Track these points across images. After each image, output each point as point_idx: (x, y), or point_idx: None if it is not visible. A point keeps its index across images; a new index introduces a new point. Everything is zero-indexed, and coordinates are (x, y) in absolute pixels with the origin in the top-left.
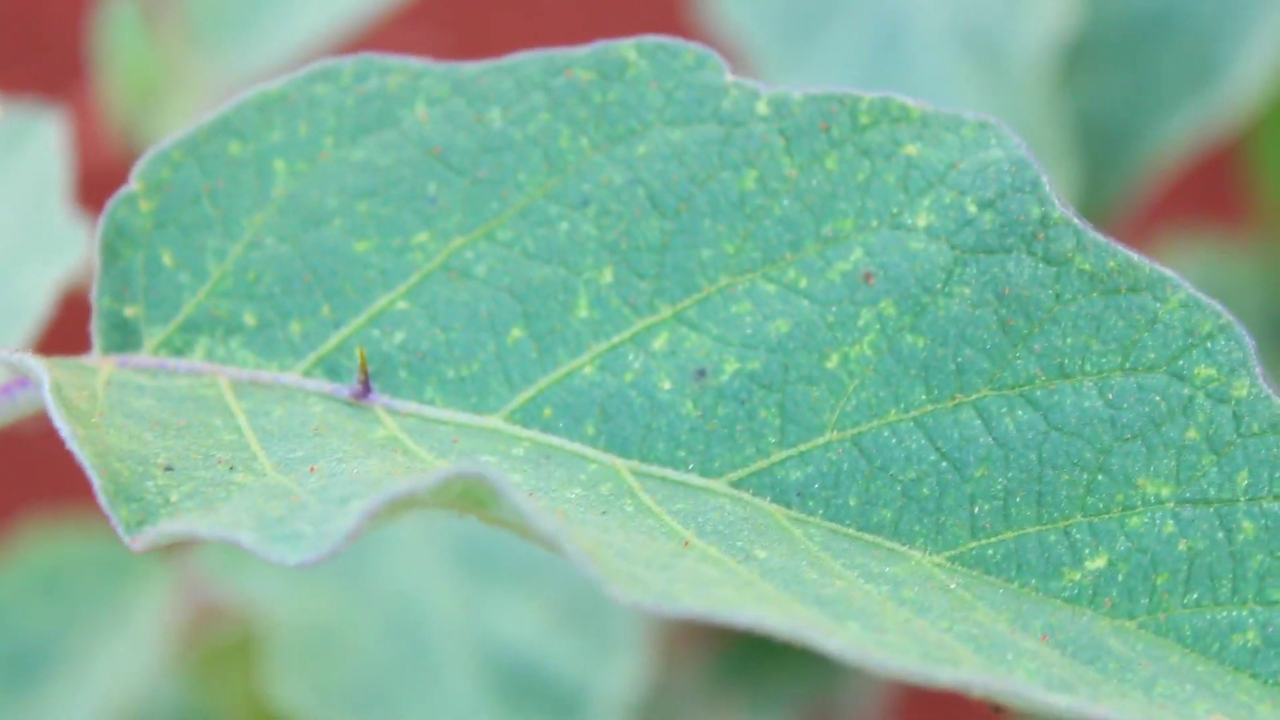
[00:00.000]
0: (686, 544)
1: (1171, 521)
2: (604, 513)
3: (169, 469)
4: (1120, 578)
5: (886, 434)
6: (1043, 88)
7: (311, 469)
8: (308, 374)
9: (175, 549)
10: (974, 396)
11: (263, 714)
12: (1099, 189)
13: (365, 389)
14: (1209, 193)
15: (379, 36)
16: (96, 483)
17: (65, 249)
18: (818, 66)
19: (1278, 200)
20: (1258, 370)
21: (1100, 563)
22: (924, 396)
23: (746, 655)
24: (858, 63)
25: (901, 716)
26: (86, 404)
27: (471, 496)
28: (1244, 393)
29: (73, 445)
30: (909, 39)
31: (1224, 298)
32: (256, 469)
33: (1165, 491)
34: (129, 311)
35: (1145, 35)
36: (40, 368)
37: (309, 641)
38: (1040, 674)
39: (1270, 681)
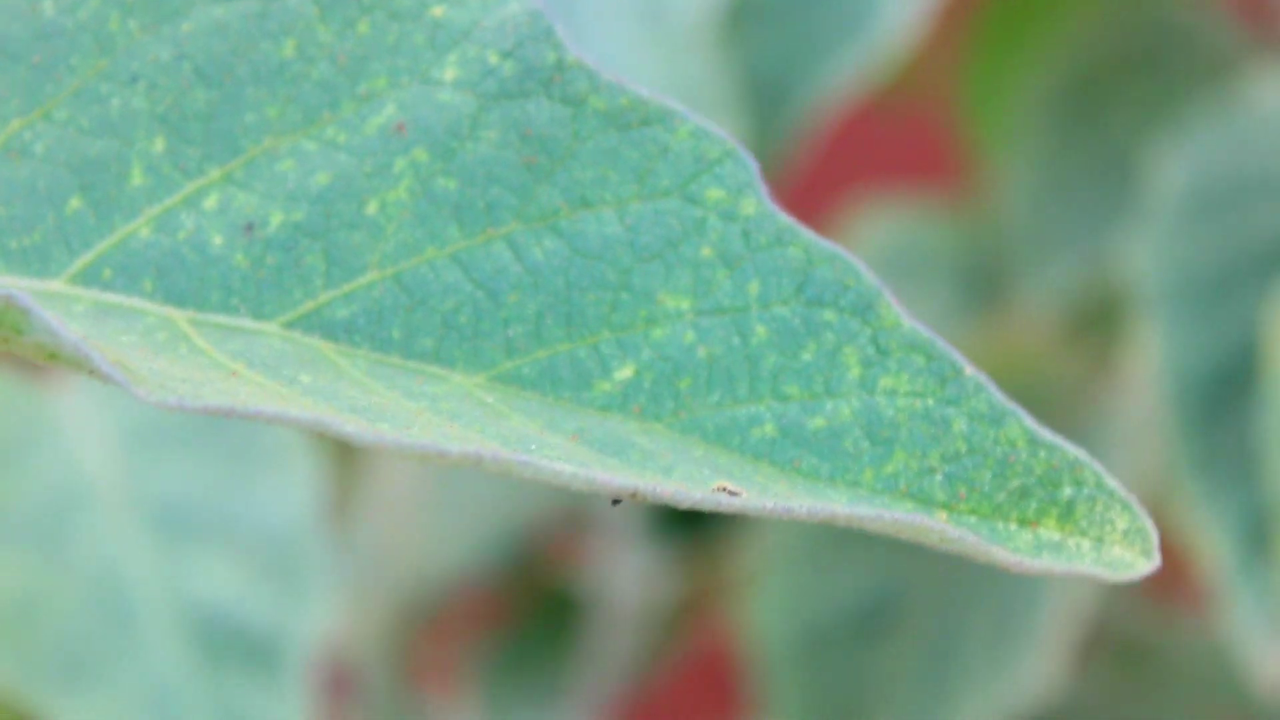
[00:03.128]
0: (234, 373)
1: (691, 331)
2: (156, 354)
3: None
4: (647, 385)
5: (425, 270)
6: (706, 46)
7: None
8: None
9: None
10: (504, 230)
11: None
12: (764, 142)
13: None
14: (920, 157)
15: None
16: None
17: None
18: None
19: (977, 159)
20: (763, 190)
21: (628, 372)
22: (458, 233)
23: (517, 650)
24: None
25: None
26: None
27: (6, 321)
28: (751, 211)
29: None
30: (584, 6)
31: (919, 258)
32: None
33: (684, 305)
34: None
35: None
36: None
37: (8, 614)
38: (560, 459)
39: (786, 467)
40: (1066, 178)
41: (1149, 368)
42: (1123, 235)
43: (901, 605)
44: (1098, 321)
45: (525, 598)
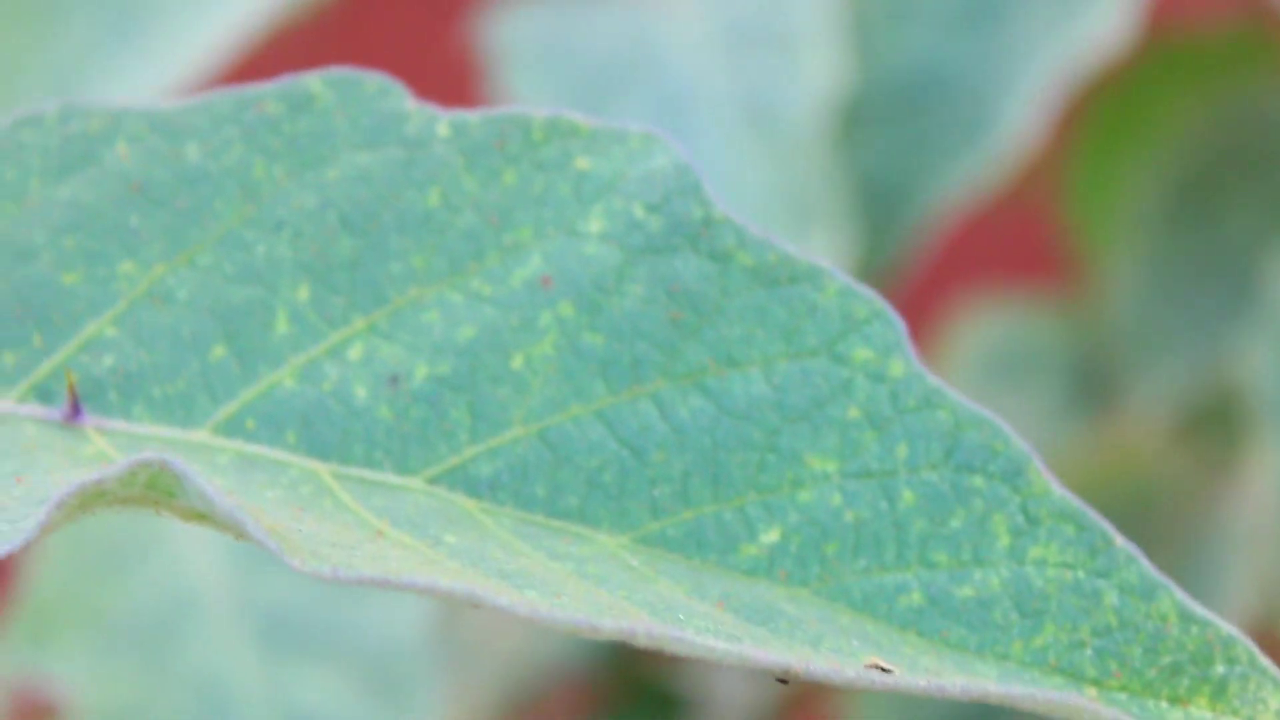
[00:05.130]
0: (380, 533)
1: (838, 494)
2: (302, 509)
3: None
4: (793, 549)
5: (570, 427)
6: (818, 151)
7: (18, 480)
8: (21, 400)
9: None
10: (650, 388)
11: None
12: (878, 247)
13: (75, 410)
14: (1025, 249)
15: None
16: None
17: None
18: None
19: (1087, 258)
20: (911, 351)
21: (774, 536)
22: (603, 390)
23: None
24: None
25: None
26: None
27: (159, 485)
28: (899, 372)
29: None
30: (694, 111)
31: (1030, 357)
32: None
33: (831, 467)
34: None
35: (917, 95)
36: None
37: None
38: (709, 630)
39: (934, 638)
40: (1178, 277)
41: (1266, 472)
42: (1237, 336)
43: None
44: (1211, 424)
45: (625, 693)
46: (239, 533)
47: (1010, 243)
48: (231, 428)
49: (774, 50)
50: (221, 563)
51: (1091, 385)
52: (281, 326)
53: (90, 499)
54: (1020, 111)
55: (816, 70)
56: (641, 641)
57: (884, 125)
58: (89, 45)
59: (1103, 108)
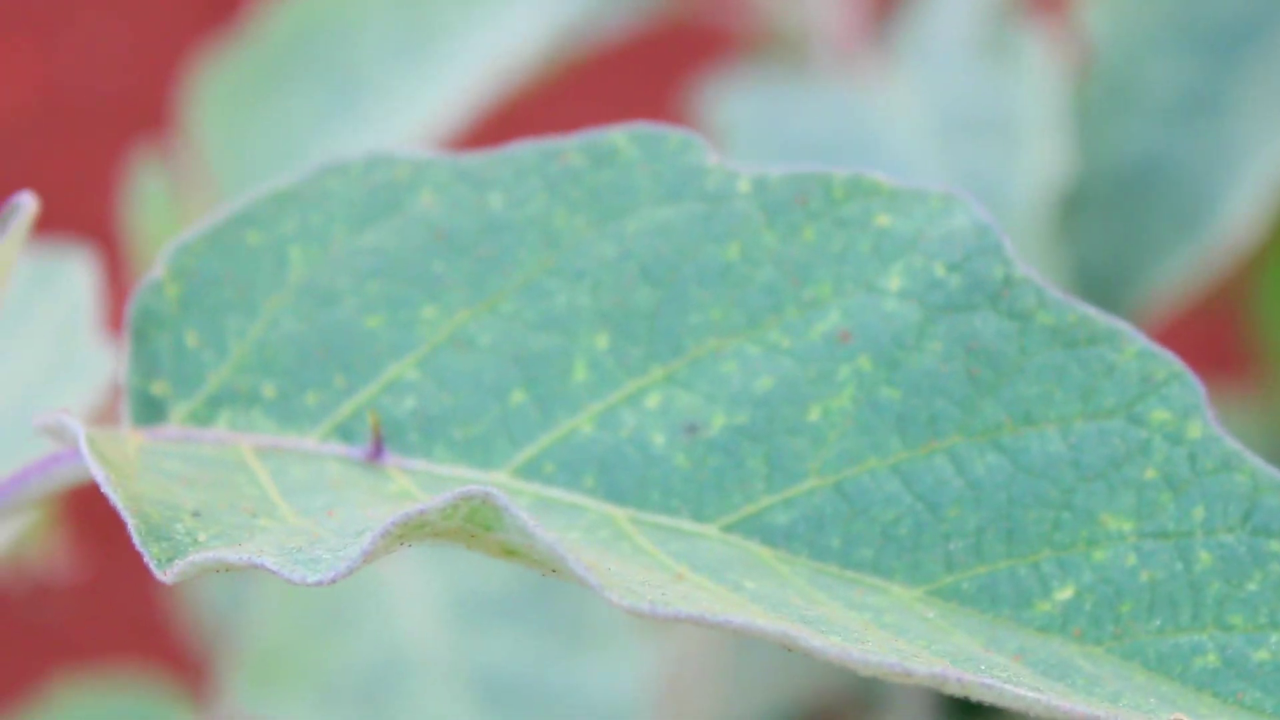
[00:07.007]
0: (680, 576)
1: (1133, 554)
2: (605, 552)
3: (196, 514)
4: (1087, 607)
5: (866, 479)
6: (1036, 238)
7: (329, 513)
8: (324, 439)
9: (206, 701)
10: (946, 443)
11: None
12: None
13: (378, 450)
14: (1212, 347)
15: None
16: (130, 523)
17: (94, 371)
18: None
19: (1277, 352)
20: (1209, 414)
21: (1068, 593)
22: (899, 444)
23: None
24: None
25: None
26: (119, 462)
27: (478, 518)
28: (1198, 434)
29: (107, 489)
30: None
31: None
32: (278, 515)
33: (1127, 526)
34: (156, 389)
35: (1137, 184)
36: (76, 425)
37: None
38: (1011, 680)
39: (1229, 699)
40: None
41: None
42: None
43: None
44: None
45: None
46: (556, 567)
47: (1201, 338)
48: (530, 471)
49: (992, 137)
50: (438, 622)
51: None
52: (580, 374)
53: (412, 529)
54: (1240, 207)
55: (1035, 158)
56: (952, 688)
57: (1102, 215)
58: (312, 117)
59: None
